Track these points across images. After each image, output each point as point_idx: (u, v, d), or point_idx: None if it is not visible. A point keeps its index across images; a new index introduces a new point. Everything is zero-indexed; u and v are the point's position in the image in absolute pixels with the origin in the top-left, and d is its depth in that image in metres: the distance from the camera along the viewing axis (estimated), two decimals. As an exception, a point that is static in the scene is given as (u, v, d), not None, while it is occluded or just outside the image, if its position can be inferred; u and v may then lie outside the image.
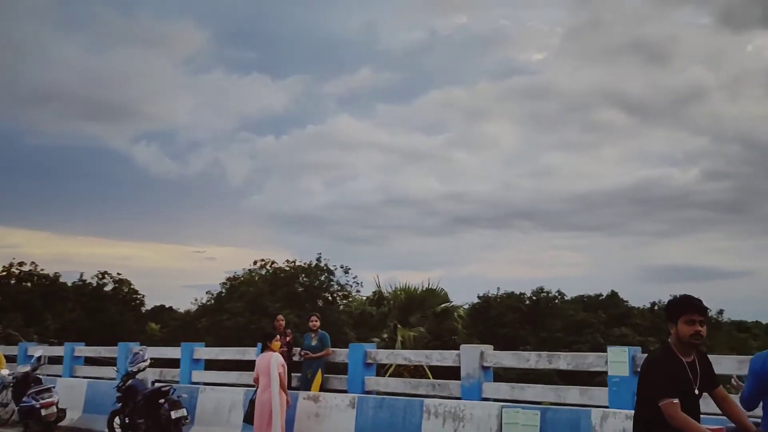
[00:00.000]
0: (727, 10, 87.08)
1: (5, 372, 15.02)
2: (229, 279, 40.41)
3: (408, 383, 12.34)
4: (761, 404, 5.41)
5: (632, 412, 8.44)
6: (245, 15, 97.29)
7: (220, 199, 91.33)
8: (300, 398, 11.77)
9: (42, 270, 44.05)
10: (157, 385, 12.48)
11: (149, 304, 50.11)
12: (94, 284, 44.88)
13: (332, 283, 39.44)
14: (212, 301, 39.79)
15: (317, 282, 39.35)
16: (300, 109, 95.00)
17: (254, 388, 11.26)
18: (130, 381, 12.44)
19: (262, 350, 11.34)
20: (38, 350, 16.14)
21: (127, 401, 12.22)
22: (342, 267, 39.14)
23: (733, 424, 6.15)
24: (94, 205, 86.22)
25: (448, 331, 30.00)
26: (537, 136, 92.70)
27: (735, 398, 5.54)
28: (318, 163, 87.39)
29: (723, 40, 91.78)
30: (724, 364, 8.52)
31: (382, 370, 20.29)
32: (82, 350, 18.18)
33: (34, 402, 12.93)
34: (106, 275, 45.32)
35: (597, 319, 44.93)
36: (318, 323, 13.26)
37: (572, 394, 9.81)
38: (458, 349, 11.43)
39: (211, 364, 16.08)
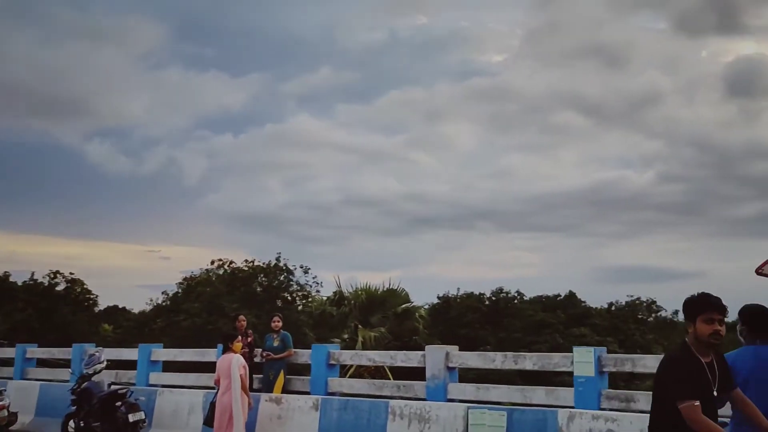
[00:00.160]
0: (683, 16, 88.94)
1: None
2: (185, 279, 39.88)
3: (372, 384, 12.26)
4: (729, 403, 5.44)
5: (598, 412, 8.56)
6: (203, 11, 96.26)
7: (175, 198, 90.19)
8: (262, 400, 11.63)
9: (-9, 269, 42.97)
10: (113, 387, 12.24)
11: (102, 304, 49.20)
12: (46, 284, 43.88)
13: (292, 283, 39.19)
14: (168, 302, 39.25)
15: (276, 282, 39.05)
16: (259, 108, 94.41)
17: (215, 391, 11.09)
18: (85, 383, 12.15)
19: (223, 351, 11.16)
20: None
21: (83, 404, 11.94)
22: (302, 267, 38.94)
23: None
24: (46, 203, 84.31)
25: (409, 332, 29.95)
26: (496, 138, 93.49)
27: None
28: (277, 163, 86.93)
29: (679, 45, 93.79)
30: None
31: (341, 371, 20.20)
32: (35, 352, 17.73)
33: (-17, 406, 12.57)
34: (58, 275, 44.36)
35: (556, 319, 45.45)
36: (280, 324, 13.12)
37: (538, 394, 9.84)
38: (420, 350, 11.40)
39: (169, 366, 15.80)
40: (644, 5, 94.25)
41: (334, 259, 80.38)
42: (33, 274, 44.19)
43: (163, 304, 39.57)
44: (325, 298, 34.12)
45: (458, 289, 49.97)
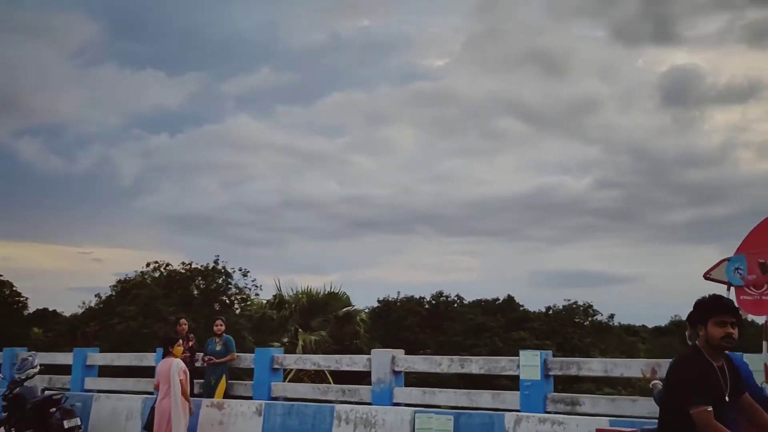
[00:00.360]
0: (620, 25, 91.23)
1: None
2: (119, 281, 38.88)
3: (317, 389, 12.19)
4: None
5: (545, 415, 8.68)
6: (140, 8, 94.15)
7: (109, 199, 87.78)
8: (203, 405, 11.48)
9: None
10: (47, 393, 11.86)
11: (32, 307, 47.71)
12: (-28, 286, 42.37)
13: (230, 286, 38.65)
14: (101, 305, 38.27)
15: (214, 285, 38.46)
16: (196, 108, 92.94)
17: (155, 396, 10.87)
18: (17, 389, 11.76)
19: (164, 356, 10.96)
20: None
21: (15, 410, 11.54)
22: (240, 270, 38.46)
23: (648, 427, 6.36)
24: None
25: (350, 336, 29.98)
26: (437, 142, 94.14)
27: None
28: (215, 163, 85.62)
29: (616, 53, 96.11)
30: (634, 367, 8.83)
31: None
32: (-39, 356, 17.04)
33: None
34: (-15, 276, 42.87)
35: (495, 323, 46.01)
36: (223, 327, 12.93)
37: (484, 398, 9.93)
38: (360, 353, 11.40)
39: (104, 371, 15.41)
40: (583, 13, 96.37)
41: (273, 262, 79.72)
42: (-41, 275, 42.71)
43: (96, 307, 38.57)
44: (264, 302, 33.83)
45: (398, 292, 50.26)
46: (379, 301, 48.56)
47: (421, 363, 11.06)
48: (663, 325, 58.32)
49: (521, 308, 51.40)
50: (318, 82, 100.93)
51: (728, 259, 6.79)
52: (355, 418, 9.93)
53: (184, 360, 11.17)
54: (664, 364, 8.48)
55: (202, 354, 12.81)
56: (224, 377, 12.49)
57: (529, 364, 9.32)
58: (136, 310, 34.73)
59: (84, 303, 40.44)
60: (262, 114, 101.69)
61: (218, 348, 12.66)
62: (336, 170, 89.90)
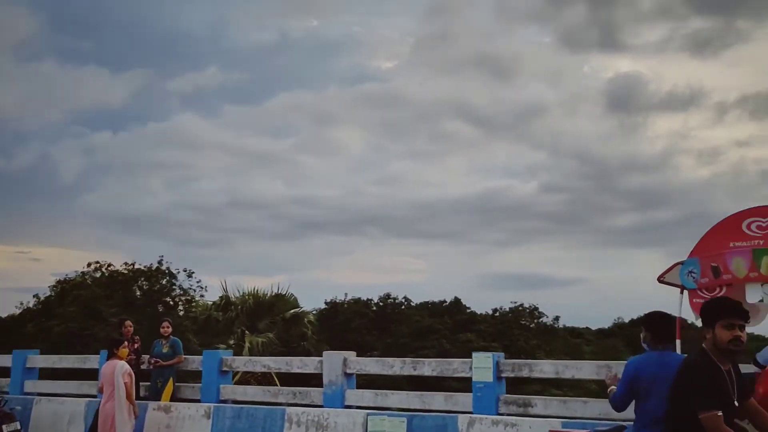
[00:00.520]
0: (568, 31, 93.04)
1: None
2: (58, 282, 38.01)
3: (267, 391, 12.08)
4: (633, 407, 5.67)
5: (498, 417, 8.75)
6: (83, 3, 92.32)
7: (48, 197, 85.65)
8: (150, 409, 11.28)
9: None
10: (-15, 397, 11.51)
11: (-34, 308, 46.26)
12: None
13: (174, 287, 38.10)
14: (40, 306, 37.33)
15: (158, 286, 37.87)
16: (141, 105, 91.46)
17: (98, 399, 10.63)
18: (-47, 393, 11.38)
19: (108, 357, 10.73)
20: None
21: (-50, 415, 11.16)
22: (185, 270, 37.96)
23: (602, 428, 6.47)
24: None
25: (297, 337, 29.80)
26: (385, 144, 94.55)
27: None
28: (159, 162, 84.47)
29: (563, 59, 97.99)
30: (585, 369, 8.97)
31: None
32: None
33: None
34: None
35: (442, 324, 46.28)
36: (170, 329, 12.74)
37: (437, 400, 9.96)
38: (308, 355, 11.35)
39: (45, 373, 15.00)
40: (531, 19, 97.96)
41: (219, 263, 78.75)
42: None
43: (35, 308, 37.62)
44: (210, 303, 33.45)
45: (346, 294, 50.26)
46: (326, 303, 48.51)
47: (373, 365, 11.06)
48: (606, 327, 59.63)
49: (468, 310, 51.82)
50: (266, 81, 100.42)
51: (682, 263, 6.95)
52: (307, 421, 9.88)
53: (129, 362, 10.96)
54: (615, 367, 8.67)
55: (148, 356, 12.58)
56: (171, 380, 12.30)
57: (481, 366, 9.38)
58: (77, 311, 33.97)
59: (22, 304, 39.41)
60: (209, 113, 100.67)
61: (165, 350, 12.46)
62: (284, 171, 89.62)
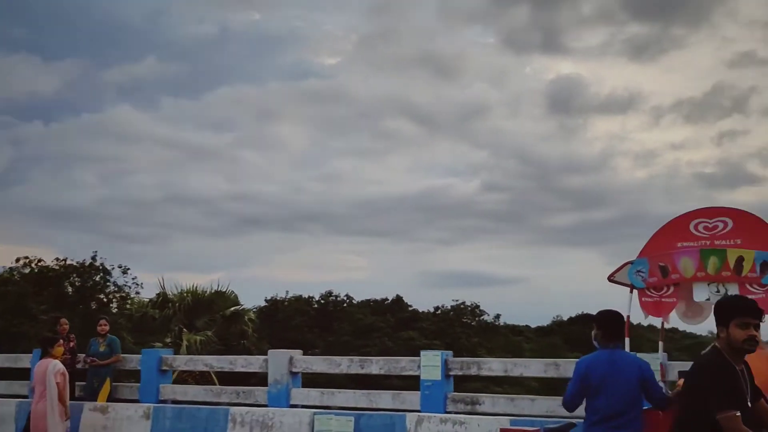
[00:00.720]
0: (510, 32, 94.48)
1: None
2: (-17, 278, 36.86)
3: (210, 391, 11.92)
4: (583, 405, 5.79)
5: (446, 415, 8.81)
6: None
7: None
8: (85, 409, 11.07)
9: None
10: None
11: None
12: None
13: (108, 284, 37.31)
14: (-37, 302, 36.10)
15: (91, 283, 37.02)
16: (74, 95, 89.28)
17: (31, 399, 10.36)
18: None
19: (42, 356, 10.45)
20: None
21: None
22: (120, 267, 37.19)
23: (552, 425, 6.59)
24: None
25: (237, 335, 29.52)
26: (327, 140, 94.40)
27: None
28: (93, 155, 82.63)
29: (506, 60, 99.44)
30: (533, 367, 9.11)
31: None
32: None
33: None
34: None
35: (385, 323, 46.46)
36: (107, 327, 12.45)
37: (384, 398, 9.97)
38: (248, 354, 11.26)
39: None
40: (475, 19, 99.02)
41: (156, 260, 77.49)
42: None
43: (-43, 304, 36.34)
44: (146, 301, 32.92)
45: (287, 292, 49.97)
46: (266, 301, 48.13)
47: (320, 364, 11.03)
48: (545, 325, 60.72)
49: (410, 308, 52.12)
50: (206, 74, 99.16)
51: (631, 262, 7.11)
52: (251, 421, 9.80)
53: (64, 362, 10.70)
54: (563, 365, 8.83)
55: (84, 355, 12.29)
56: (108, 380, 12.00)
57: (430, 364, 9.43)
58: (4, 308, 32.99)
59: (-57, 300, 38.01)
60: (146, 105, 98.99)
61: (102, 349, 12.17)
62: (223, 166, 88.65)
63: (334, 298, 51.01)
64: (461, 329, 48.08)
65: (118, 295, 37.44)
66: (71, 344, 12.30)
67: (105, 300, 37.13)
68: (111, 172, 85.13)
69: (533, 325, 60.87)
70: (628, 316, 6.54)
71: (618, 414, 5.52)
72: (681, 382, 6.33)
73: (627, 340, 6.43)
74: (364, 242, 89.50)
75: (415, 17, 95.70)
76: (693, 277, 6.76)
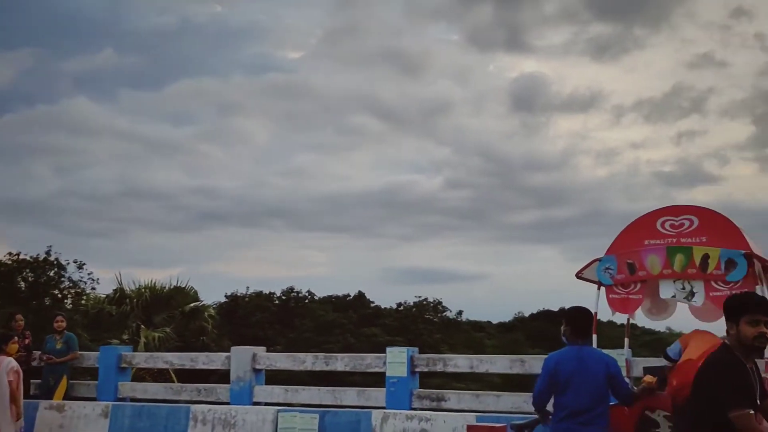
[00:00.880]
0: (475, 30, 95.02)
1: None
2: (-69, 273, 36.01)
3: (170, 389, 11.82)
4: (552, 401, 5.85)
5: (412, 412, 8.84)
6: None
7: None
8: (41, 408, 10.88)
9: None
10: None
11: None
12: None
13: (63, 279, 36.70)
14: None
15: (45, 278, 36.39)
16: (29, 86, 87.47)
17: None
18: None
19: (-4, 354, 10.19)
20: None
21: None
22: (75, 262, 36.61)
23: (519, 421, 6.64)
24: None
25: (196, 332, 29.26)
26: (291, 135, 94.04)
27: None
28: (48, 147, 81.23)
29: (470, 58, 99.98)
30: (499, 363, 9.17)
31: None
32: None
33: None
34: None
35: (347, 319, 46.48)
36: (64, 324, 12.29)
37: (349, 395, 9.98)
38: (208, 350, 11.18)
39: None
40: (440, 17, 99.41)
41: (113, 255, 76.27)
42: None
43: None
44: (103, 296, 32.46)
45: (247, 288, 49.72)
46: (226, 297, 47.83)
47: (284, 361, 11.00)
48: (507, 321, 61.31)
49: (372, 304, 52.25)
50: (166, 67, 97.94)
51: (599, 260, 7.20)
52: (213, 419, 9.71)
53: (18, 359, 10.45)
54: (528, 361, 8.92)
55: (40, 353, 12.07)
56: (65, 377, 11.86)
57: (396, 361, 9.46)
58: (-47, 304, 32.32)
59: None
60: (104, 97, 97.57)
61: (59, 346, 11.98)
62: (184, 160, 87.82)
63: (295, 294, 50.91)
64: (424, 325, 48.32)
65: (73, 290, 36.88)
66: (26, 341, 12.05)
67: (59, 296, 36.53)
68: (67, 165, 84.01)
69: (495, 322, 61.48)
70: (596, 313, 6.62)
71: (585, 410, 5.59)
72: (647, 378, 6.46)
73: (594, 337, 6.50)
74: (327, 238, 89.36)
75: (380, 13, 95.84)
76: (660, 274, 6.86)
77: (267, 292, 49.93)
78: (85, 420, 10.54)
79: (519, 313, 61.75)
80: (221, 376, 16.01)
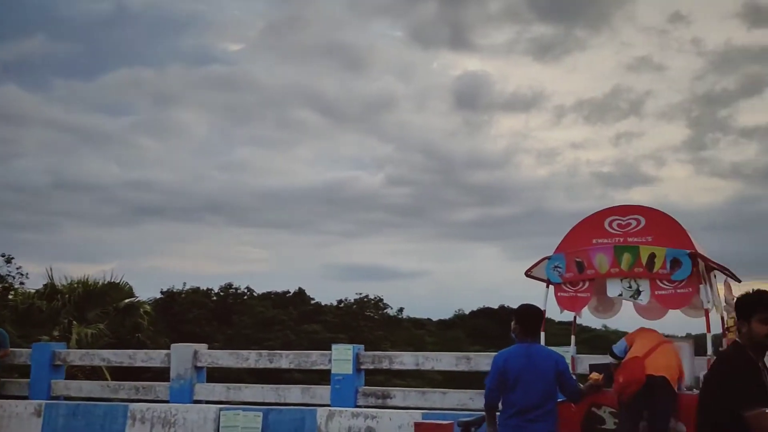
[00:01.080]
0: (419, 27, 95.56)
1: None
2: None
3: (106, 387, 11.62)
4: (501, 400, 5.92)
5: (358, 409, 8.86)
6: None
7: None
8: (-30, 407, 10.53)
9: None
10: None
11: None
12: None
13: (-11, 273, 35.67)
14: None
15: (-30, 273, 35.33)
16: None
17: None
18: None
19: None
20: None
21: None
22: (3, 256, 35.65)
23: (466, 419, 6.71)
24: None
25: (131, 329, 28.75)
26: (230, 128, 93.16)
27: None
28: (-26, 137, 78.40)
29: (413, 54, 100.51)
30: (444, 361, 9.25)
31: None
32: None
33: None
34: None
35: (287, 315, 46.26)
36: (-5, 320, 11.92)
37: (293, 393, 9.95)
38: (144, 347, 11.06)
39: None
40: (383, 12, 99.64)
41: (43, 249, 74.65)
42: None
43: None
44: (32, 292, 31.67)
45: (184, 284, 49.05)
46: (162, 293, 47.08)
47: (226, 358, 10.89)
48: (447, 318, 61.91)
49: (313, 301, 52.13)
50: (101, 55, 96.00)
51: (548, 258, 7.31)
52: (152, 418, 9.59)
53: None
54: (474, 358, 9.01)
55: (-31, 349, 11.74)
56: (-5, 375, 11.56)
57: (341, 358, 9.46)
58: None
59: None
60: (34, 85, 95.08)
61: (-12, 343, 11.67)
62: (118, 152, 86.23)
63: (234, 290, 50.45)
64: (365, 322, 48.40)
65: (0, 285, 35.92)
66: (-44, 339, 11.74)
67: (-14, 290, 35.54)
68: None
69: (435, 319, 62.03)
70: (544, 311, 6.72)
71: (534, 407, 5.68)
72: (593, 375, 6.60)
73: (543, 335, 6.61)
74: (267, 234, 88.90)
75: (324, 7, 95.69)
76: (607, 273, 7.01)
77: (204, 288, 49.45)
78: (17, 419, 10.35)
79: (459, 310, 62.45)
80: (157, 374, 15.77)
